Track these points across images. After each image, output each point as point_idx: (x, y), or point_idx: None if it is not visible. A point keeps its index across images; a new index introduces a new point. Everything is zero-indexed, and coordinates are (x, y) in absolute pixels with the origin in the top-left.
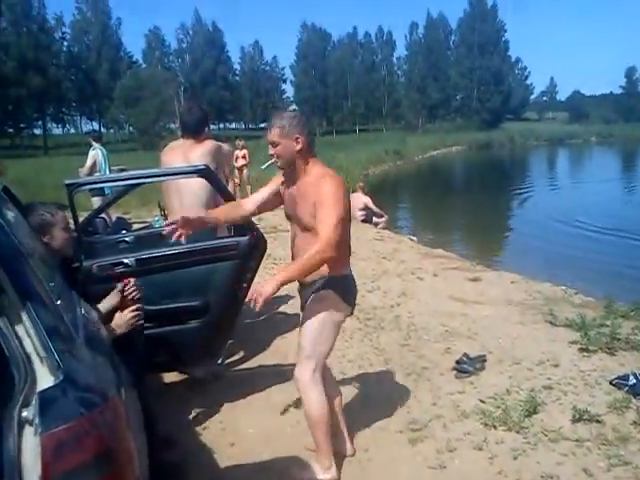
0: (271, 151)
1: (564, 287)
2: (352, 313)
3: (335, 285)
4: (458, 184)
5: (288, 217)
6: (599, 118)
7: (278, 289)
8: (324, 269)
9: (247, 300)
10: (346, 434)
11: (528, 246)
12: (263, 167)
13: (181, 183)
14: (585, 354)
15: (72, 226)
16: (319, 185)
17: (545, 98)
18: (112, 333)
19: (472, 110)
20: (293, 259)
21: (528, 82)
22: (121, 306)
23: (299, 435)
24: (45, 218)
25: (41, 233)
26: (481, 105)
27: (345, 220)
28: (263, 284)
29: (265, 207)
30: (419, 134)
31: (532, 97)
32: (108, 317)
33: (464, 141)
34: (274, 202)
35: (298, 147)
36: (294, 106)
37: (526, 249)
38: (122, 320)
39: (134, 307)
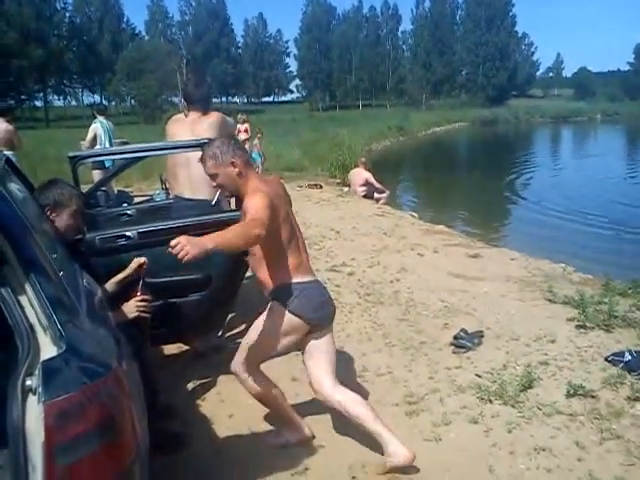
0: (213, 184)
1: (563, 264)
2: (314, 323)
3: (286, 297)
4: (460, 161)
5: None
6: (605, 95)
7: (207, 249)
8: (273, 280)
9: (172, 244)
10: (300, 420)
11: (529, 223)
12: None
13: (190, 156)
14: (582, 331)
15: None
16: (245, 204)
17: (551, 74)
18: (119, 318)
19: (477, 86)
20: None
21: (534, 58)
22: (128, 296)
23: (297, 407)
24: (62, 197)
25: (51, 208)
26: (487, 81)
27: (277, 226)
28: (193, 240)
29: None
30: (423, 110)
31: (538, 73)
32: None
33: (468, 118)
34: None
35: (236, 171)
36: (297, 80)
37: (527, 226)
38: (128, 310)
39: (140, 297)
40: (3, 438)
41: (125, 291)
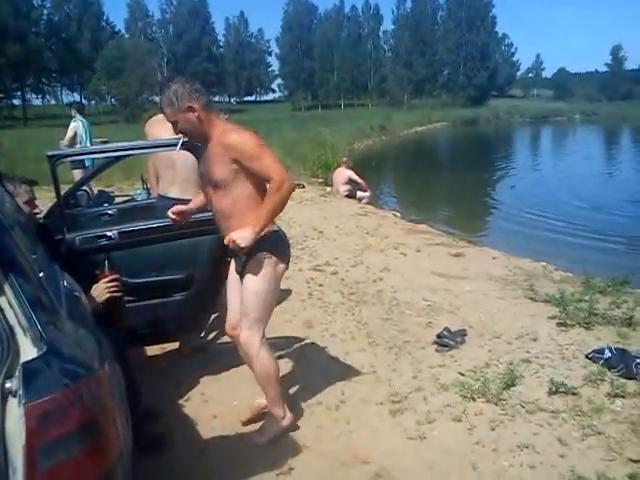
0: (176, 132)
1: (544, 263)
2: (288, 263)
3: (267, 244)
4: (442, 160)
5: (202, 181)
6: (583, 96)
7: (257, 236)
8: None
9: (226, 242)
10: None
11: (509, 222)
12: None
13: (174, 156)
14: (563, 328)
15: (50, 203)
16: (230, 142)
17: (531, 75)
18: (91, 303)
19: (458, 86)
20: (217, 221)
21: (514, 59)
22: (95, 279)
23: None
24: (11, 189)
25: None
26: (467, 81)
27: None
28: (240, 231)
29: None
30: (404, 110)
31: (518, 74)
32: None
33: (449, 117)
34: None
35: (196, 115)
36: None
37: (507, 225)
38: (97, 292)
39: (108, 278)
40: None
41: (90, 275)
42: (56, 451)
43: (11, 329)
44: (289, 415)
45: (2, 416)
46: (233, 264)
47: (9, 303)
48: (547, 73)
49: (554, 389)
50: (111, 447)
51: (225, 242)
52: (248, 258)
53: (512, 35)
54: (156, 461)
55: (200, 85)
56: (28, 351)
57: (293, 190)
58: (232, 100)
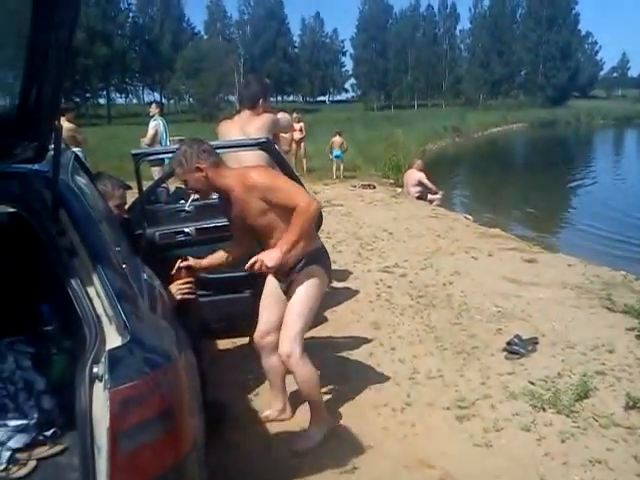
0: (189, 190)
1: (624, 272)
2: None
3: (316, 259)
4: (518, 163)
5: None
6: None
7: (285, 255)
8: (303, 247)
9: (250, 264)
10: (286, 401)
11: (588, 229)
12: (187, 207)
13: (241, 155)
14: None
15: (132, 199)
16: (251, 183)
17: (615, 74)
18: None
19: (537, 86)
20: None
21: (598, 58)
22: (172, 280)
23: (345, 404)
24: (105, 189)
25: None
26: (546, 81)
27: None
28: (268, 252)
29: (246, 240)
30: (479, 110)
31: (602, 73)
32: None
33: (526, 118)
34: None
35: (203, 174)
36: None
37: (585, 232)
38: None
39: (182, 280)
40: (71, 421)
41: (169, 269)
42: (137, 435)
43: (98, 318)
44: (331, 420)
45: (90, 399)
46: (270, 277)
47: (97, 293)
48: (633, 72)
49: (631, 404)
50: (187, 435)
51: (252, 262)
52: (298, 273)
53: (596, 33)
54: (223, 455)
55: (208, 145)
56: (113, 339)
57: (320, 209)
58: (306, 99)
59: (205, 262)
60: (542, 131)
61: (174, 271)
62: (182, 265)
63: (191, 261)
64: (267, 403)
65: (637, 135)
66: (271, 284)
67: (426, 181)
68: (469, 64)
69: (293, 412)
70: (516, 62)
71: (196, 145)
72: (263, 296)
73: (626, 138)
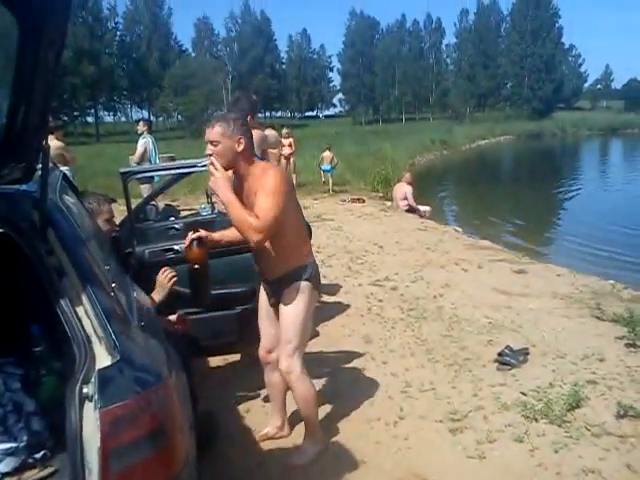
0: (209, 150)
1: (612, 281)
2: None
3: (303, 274)
4: (505, 175)
5: None
6: None
7: (219, 191)
8: (292, 262)
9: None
10: (285, 418)
11: (575, 239)
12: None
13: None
14: (632, 349)
15: (120, 216)
16: (263, 176)
17: (599, 86)
18: (154, 303)
19: (522, 99)
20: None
21: (582, 70)
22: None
23: (338, 419)
24: (91, 207)
25: None
26: (532, 94)
27: (289, 210)
28: (221, 179)
29: None
30: (467, 123)
31: (586, 85)
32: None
33: (513, 131)
34: None
35: (240, 148)
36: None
37: (573, 242)
38: (160, 284)
39: (162, 270)
40: (61, 442)
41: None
42: (128, 454)
43: (88, 337)
44: (322, 437)
45: (80, 419)
46: (262, 291)
47: (86, 313)
48: (617, 84)
49: (622, 412)
50: (179, 453)
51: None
52: (285, 287)
53: (580, 45)
54: (216, 471)
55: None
56: (103, 359)
57: (253, 244)
58: (295, 115)
59: (217, 235)
60: (529, 143)
61: (186, 243)
62: (194, 237)
63: (202, 232)
64: (259, 420)
65: (622, 145)
66: (264, 299)
67: (410, 196)
68: (455, 78)
69: (291, 430)
70: (502, 75)
71: (246, 125)
72: (259, 312)
73: (611, 148)
